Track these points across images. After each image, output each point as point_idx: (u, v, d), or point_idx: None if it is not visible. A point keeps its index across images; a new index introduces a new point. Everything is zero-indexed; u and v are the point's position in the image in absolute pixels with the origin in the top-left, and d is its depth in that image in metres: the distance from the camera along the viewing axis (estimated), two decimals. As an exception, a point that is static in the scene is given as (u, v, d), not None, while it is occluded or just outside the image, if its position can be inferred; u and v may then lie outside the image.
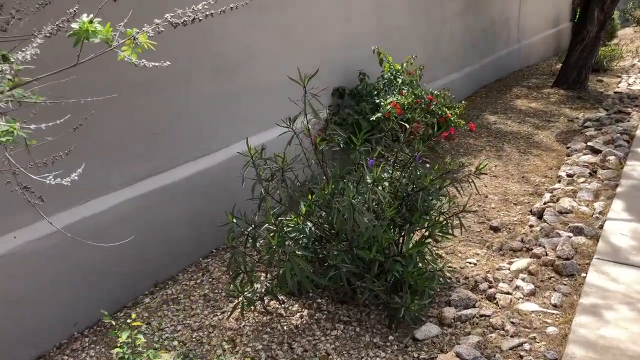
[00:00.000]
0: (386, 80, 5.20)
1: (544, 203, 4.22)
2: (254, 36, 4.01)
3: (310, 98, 2.78)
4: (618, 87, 8.27)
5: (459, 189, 2.98)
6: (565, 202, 4.07)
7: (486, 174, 4.41)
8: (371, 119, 4.80)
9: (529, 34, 10.82)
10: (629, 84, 8.39)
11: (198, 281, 3.35)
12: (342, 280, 2.73)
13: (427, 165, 3.17)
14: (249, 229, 2.81)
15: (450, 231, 2.93)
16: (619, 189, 4.28)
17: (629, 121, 6.28)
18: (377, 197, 2.62)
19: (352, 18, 5.15)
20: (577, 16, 8.33)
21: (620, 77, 9.17)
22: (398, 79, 5.14)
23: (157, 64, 1.04)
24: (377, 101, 4.93)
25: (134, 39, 1.03)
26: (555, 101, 7.67)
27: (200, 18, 1.16)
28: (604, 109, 7.07)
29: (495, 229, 3.90)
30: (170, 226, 3.44)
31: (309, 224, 2.91)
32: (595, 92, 8.18)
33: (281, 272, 2.66)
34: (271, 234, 2.71)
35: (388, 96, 4.97)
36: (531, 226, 3.90)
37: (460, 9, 7.61)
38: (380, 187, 2.74)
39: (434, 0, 6.82)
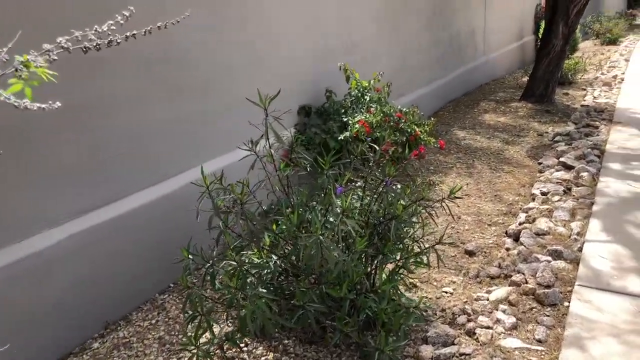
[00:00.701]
0: (353, 98, 5.01)
1: (520, 224, 4.06)
2: (214, 53, 3.77)
3: (272, 121, 2.55)
4: (584, 100, 8.27)
5: (432, 213, 2.78)
6: (542, 223, 3.92)
7: (460, 197, 4.23)
8: (339, 138, 4.59)
9: (494, 47, 10.84)
10: (594, 97, 8.41)
11: (153, 321, 3.06)
12: (310, 320, 2.49)
13: (399, 186, 2.96)
14: (206, 266, 2.54)
15: (425, 261, 2.72)
16: (594, 207, 4.15)
17: (598, 135, 6.22)
18: (347, 229, 2.40)
19: (318, 33, 4.96)
20: (542, 30, 8.33)
21: (585, 90, 9.21)
22: (365, 96, 4.95)
23: (43, 105, 0.80)
24: (345, 119, 4.73)
25: (16, 70, 0.78)
26: (523, 115, 7.61)
27: (118, 41, 0.92)
28: (572, 122, 7.02)
29: (471, 253, 3.72)
30: (123, 260, 3.15)
31: (273, 256, 2.66)
32: (563, 105, 8.17)
33: (242, 314, 2.40)
34: (231, 271, 2.45)
35: (356, 114, 4.78)
36: (508, 249, 3.73)
37: (427, 22, 7.51)
38: (350, 217, 2.51)
39: (401, 13, 6.69)
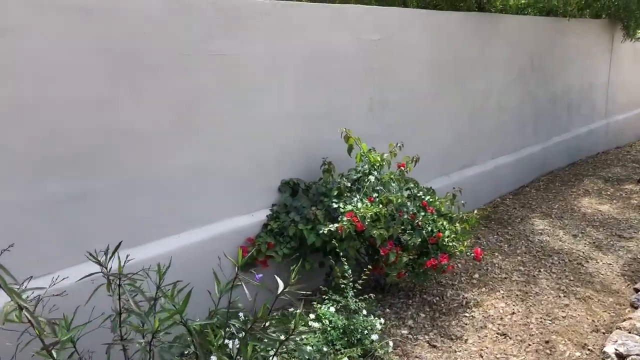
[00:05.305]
0: (360, 175, 3.70)
1: (560, 414, 2.51)
2: (123, 108, 2.73)
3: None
4: None
5: None
6: None
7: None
8: (321, 231, 3.31)
9: (622, 107, 8.81)
10: None
11: None
12: None
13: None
14: None
15: None
16: (698, 410, 2.46)
17: None
18: None
19: (325, 85, 3.74)
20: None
21: None
22: (372, 175, 3.61)
23: None
24: (336, 206, 3.44)
25: None
26: (637, 205, 5.71)
27: None
28: None
29: None
30: None
31: None
32: (700, 195, 6.11)
33: None
34: None
35: (354, 199, 3.47)
36: None
37: (517, 75, 5.95)
38: None
39: (474, 64, 5.24)
